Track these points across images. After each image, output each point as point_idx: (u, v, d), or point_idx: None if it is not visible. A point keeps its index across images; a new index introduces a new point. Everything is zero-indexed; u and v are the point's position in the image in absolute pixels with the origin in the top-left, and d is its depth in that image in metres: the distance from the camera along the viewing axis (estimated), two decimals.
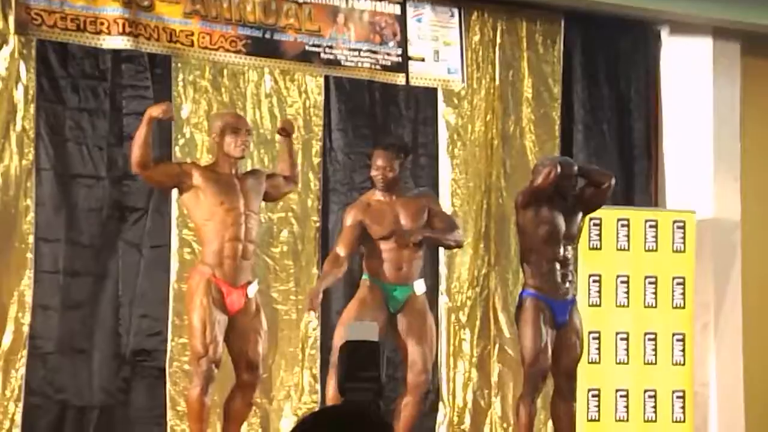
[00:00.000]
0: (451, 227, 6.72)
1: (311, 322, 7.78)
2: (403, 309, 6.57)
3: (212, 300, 6.15)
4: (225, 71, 7.74)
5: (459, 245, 6.95)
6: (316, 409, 7.64)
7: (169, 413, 7.35)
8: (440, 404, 8.13)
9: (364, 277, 6.65)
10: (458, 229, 6.83)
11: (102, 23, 7.33)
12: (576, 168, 6.96)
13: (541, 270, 6.83)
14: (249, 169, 6.88)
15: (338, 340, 6.43)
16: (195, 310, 6.15)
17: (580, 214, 7.02)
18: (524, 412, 6.82)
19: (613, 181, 7.04)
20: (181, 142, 7.58)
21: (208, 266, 6.19)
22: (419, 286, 6.64)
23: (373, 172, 6.65)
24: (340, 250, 6.49)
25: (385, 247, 6.56)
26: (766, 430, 8.56)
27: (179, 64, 7.60)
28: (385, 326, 6.42)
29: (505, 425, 8.17)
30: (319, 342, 7.75)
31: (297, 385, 7.76)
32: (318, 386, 7.71)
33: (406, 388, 6.58)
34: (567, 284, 6.87)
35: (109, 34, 7.34)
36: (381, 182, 6.61)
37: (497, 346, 8.27)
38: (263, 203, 6.64)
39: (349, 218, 6.60)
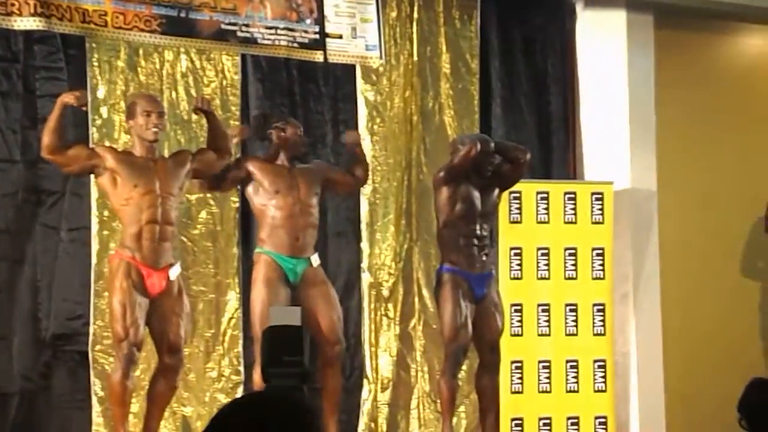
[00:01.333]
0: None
1: (231, 302, 7.74)
2: (302, 281, 6.60)
3: (132, 283, 6.10)
4: (140, 51, 7.65)
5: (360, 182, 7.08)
6: (239, 391, 7.62)
7: (93, 397, 7.28)
8: (364, 381, 8.15)
9: (259, 250, 6.66)
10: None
11: (13, 4, 7.20)
12: (493, 145, 7.02)
13: (458, 246, 6.89)
14: (166, 150, 6.82)
15: (260, 327, 6.45)
16: (115, 293, 6.11)
17: (497, 191, 7.09)
18: (446, 387, 6.88)
19: (528, 157, 7.13)
20: (98, 123, 7.49)
21: (128, 249, 6.15)
22: (315, 259, 6.69)
23: (293, 134, 6.72)
24: None
25: (281, 214, 6.60)
26: (685, 397, 8.71)
27: (93, 45, 7.50)
28: (289, 300, 6.46)
29: (430, 400, 8.22)
30: (241, 323, 7.71)
31: (219, 368, 7.72)
32: (241, 368, 7.68)
33: (323, 362, 6.59)
34: (483, 258, 6.94)
35: (20, 15, 7.21)
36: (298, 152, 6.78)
37: (422, 321, 8.30)
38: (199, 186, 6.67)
39: None
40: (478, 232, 6.94)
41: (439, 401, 7.28)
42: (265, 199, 6.70)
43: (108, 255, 6.61)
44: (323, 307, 6.60)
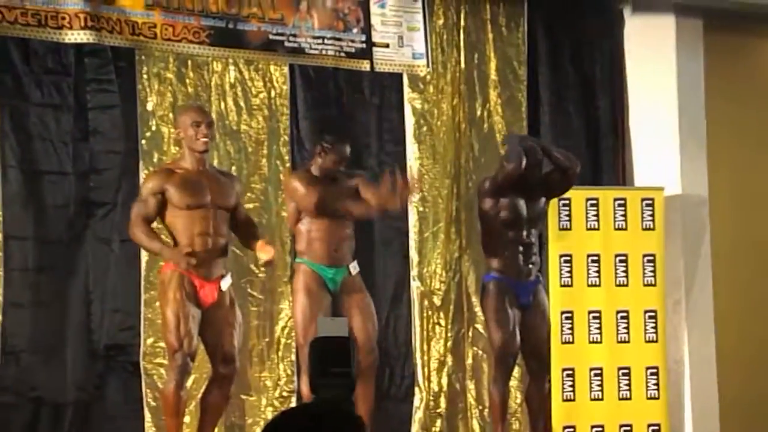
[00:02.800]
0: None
1: (284, 310, 7.77)
2: (342, 289, 6.60)
3: (185, 294, 6.13)
4: (189, 62, 7.71)
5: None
6: (293, 400, 7.64)
7: (146, 408, 7.33)
8: (416, 389, 8.14)
9: (298, 260, 6.68)
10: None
11: (63, 18, 7.28)
12: (541, 153, 6.99)
13: (503, 253, 6.87)
14: (215, 161, 6.86)
15: (303, 336, 6.48)
16: (168, 305, 6.14)
17: (544, 199, 7.06)
18: (496, 395, 6.86)
19: (578, 168, 7.09)
20: (148, 135, 7.55)
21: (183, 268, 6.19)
22: (354, 267, 6.69)
23: (331, 164, 6.67)
24: None
25: (320, 226, 6.60)
26: (740, 404, 8.62)
27: (143, 57, 7.56)
28: (329, 308, 6.48)
29: (480, 408, 8.20)
30: (294, 332, 7.73)
31: (273, 377, 7.75)
32: (295, 377, 7.70)
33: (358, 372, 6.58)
34: (529, 266, 6.91)
35: (71, 28, 7.29)
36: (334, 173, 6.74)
37: (471, 329, 8.28)
38: None
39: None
40: (524, 239, 6.90)
41: (489, 409, 7.26)
42: (303, 213, 6.70)
43: (159, 266, 6.64)
44: (359, 317, 6.61)
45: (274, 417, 2.30)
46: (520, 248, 6.89)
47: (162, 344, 7.20)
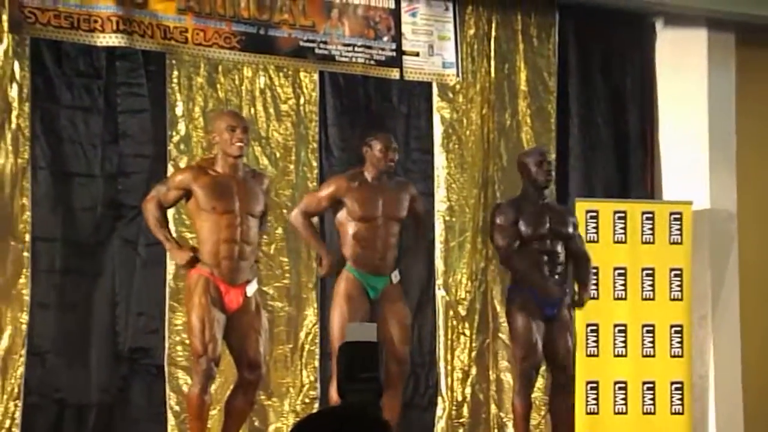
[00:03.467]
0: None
1: (309, 317, 7.77)
2: (381, 297, 6.58)
3: (210, 299, 6.13)
4: (220, 67, 7.72)
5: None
6: (316, 406, 7.64)
7: (169, 411, 7.34)
8: (439, 398, 8.12)
9: (346, 267, 6.64)
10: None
11: (95, 21, 7.31)
12: (548, 157, 7.01)
13: (527, 264, 6.84)
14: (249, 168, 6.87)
15: (338, 342, 6.44)
16: (194, 309, 6.14)
17: (571, 228, 7.03)
18: (519, 406, 6.83)
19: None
20: (176, 139, 7.57)
21: (206, 265, 6.18)
22: (396, 276, 6.66)
23: (378, 155, 6.65)
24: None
25: (366, 234, 6.56)
26: (765, 421, 8.57)
27: (173, 61, 7.58)
28: (367, 316, 6.45)
29: (504, 419, 8.17)
30: (318, 338, 7.74)
31: (296, 382, 7.75)
32: (318, 384, 7.70)
33: (385, 379, 6.54)
34: (555, 277, 6.88)
35: (102, 31, 7.32)
36: (386, 166, 6.64)
37: (496, 339, 8.26)
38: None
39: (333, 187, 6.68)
40: (548, 248, 6.88)
41: (513, 421, 7.24)
42: (351, 219, 6.63)
43: (186, 271, 6.65)
44: (397, 326, 6.58)
45: (300, 419, 2.30)
46: (545, 258, 6.86)
47: (186, 348, 7.22)
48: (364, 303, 6.53)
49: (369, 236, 6.57)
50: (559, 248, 6.94)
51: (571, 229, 7.01)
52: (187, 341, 7.26)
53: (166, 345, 7.38)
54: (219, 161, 6.32)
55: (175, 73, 7.59)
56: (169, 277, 7.39)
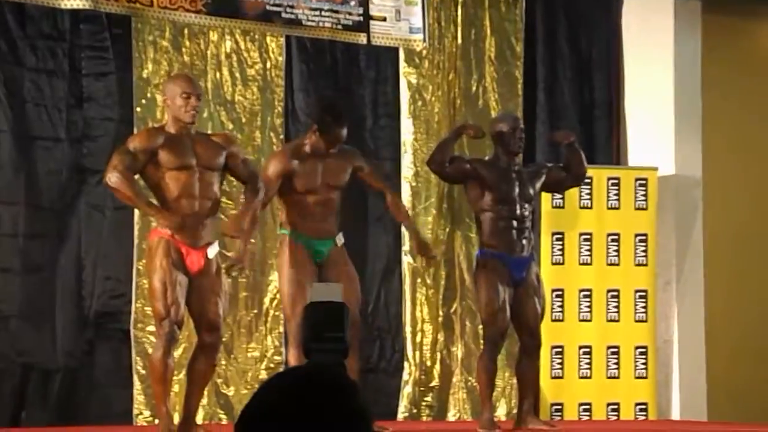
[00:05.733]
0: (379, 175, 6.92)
1: (273, 282, 7.76)
2: (327, 261, 6.58)
3: (172, 261, 6.09)
4: (185, 31, 7.68)
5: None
6: (281, 370, 7.65)
7: (135, 375, 7.33)
8: (405, 364, 8.15)
9: (284, 231, 6.61)
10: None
11: None
12: (521, 124, 7.02)
13: (496, 229, 6.86)
14: (210, 131, 6.82)
15: (290, 307, 6.44)
16: (155, 272, 6.08)
17: (540, 182, 7.04)
18: (483, 370, 6.86)
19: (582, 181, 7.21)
20: (143, 102, 7.53)
21: (167, 227, 6.13)
22: (340, 239, 6.66)
23: (322, 147, 6.58)
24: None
25: (310, 200, 6.55)
26: (727, 384, 8.65)
27: (139, 25, 7.54)
28: (315, 279, 6.44)
29: (470, 383, 8.21)
30: (282, 305, 7.73)
31: (261, 348, 7.76)
32: (283, 349, 7.71)
33: None
34: (523, 241, 6.90)
35: None
36: (338, 143, 6.62)
37: (463, 304, 8.29)
38: None
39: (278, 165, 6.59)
40: (518, 213, 6.90)
41: (477, 385, 7.27)
42: (293, 192, 6.59)
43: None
44: (347, 288, 6.57)
45: (267, 379, 2.29)
46: (513, 223, 6.89)
47: (151, 312, 7.21)
48: (310, 266, 6.52)
49: (310, 204, 6.56)
50: (528, 212, 6.97)
51: (541, 180, 7.05)
52: None
53: (133, 309, 7.36)
54: (170, 125, 6.21)
55: (141, 36, 7.54)
56: (137, 240, 7.36)
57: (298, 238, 6.55)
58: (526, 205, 6.97)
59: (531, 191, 7.02)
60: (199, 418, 7.09)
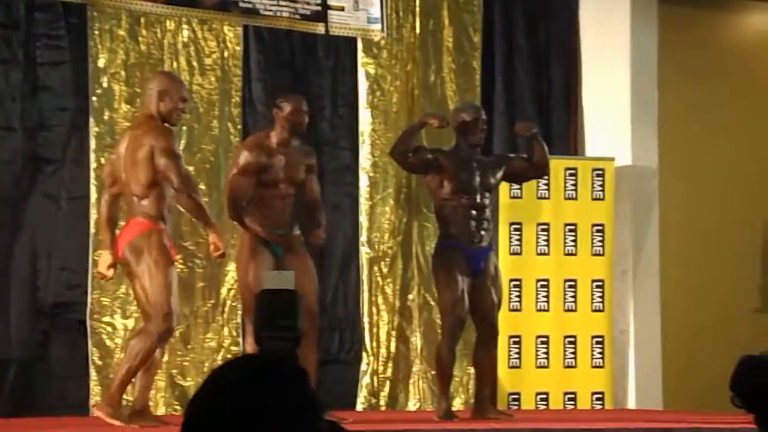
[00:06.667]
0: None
1: (230, 273, 7.73)
2: (286, 250, 6.57)
3: (167, 253, 6.19)
4: (142, 20, 7.63)
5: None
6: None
7: (91, 366, 7.29)
8: (363, 354, 8.15)
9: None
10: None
11: None
12: (484, 114, 7.04)
13: (456, 218, 6.88)
14: None
15: (248, 294, 6.46)
16: (158, 266, 6.05)
17: (501, 172, 7.07)
18: (442, 359, 6.87)
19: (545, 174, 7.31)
20: (99, 92, 7.48)
21: (162, 220, 6.18)
22: (296, 230, 6.67)
23: (294, 116, 6.61)
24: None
25: (271, 193, 6.57)
26: (683, 374, 8.71)
27: (95, 14, 7.49)
28: (274, 268, 6.45)
29: (430, 373, 8.21)
30: (240, 295, 7.71)
31: (218, 338, 7.73)
32: (240, 339, 7.68)
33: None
34: (482, 232, 6.92)
35: None
36: (301, 128, 6.61)
37: (420, 295, 8.29)
38: None
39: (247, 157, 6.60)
40: (478, 202, 6.92)
41: (435, 374, 7.28)
42: (255, 178, 6.60)
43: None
44: (304, 278, 6.57)
45: (217, 366, 2.29)
46: (473, 213, 6.90)
47: (108, 302, 7.21)
48: (268, 256, 6.53)
49: (268, 196, 6.58)
50: (488, 202, 6.99)
51: (501, 170, 7.07)
52: (112, 296, 7.24)
53: (89, 300, 7.31)
54: (148, 118, 6.21)
55: (97, 25, 7.49)
56: (92, 231, 7.32)
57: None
58: (487, 194, 6.99)
59: (492, 181, 7.04)
60: (156, 409, 7.07)
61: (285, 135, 6.63)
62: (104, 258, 6.31)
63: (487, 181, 6.98)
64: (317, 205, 6.82)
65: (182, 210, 6.76)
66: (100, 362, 7.26)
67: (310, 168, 6.80)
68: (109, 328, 7.33)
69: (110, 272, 6.30)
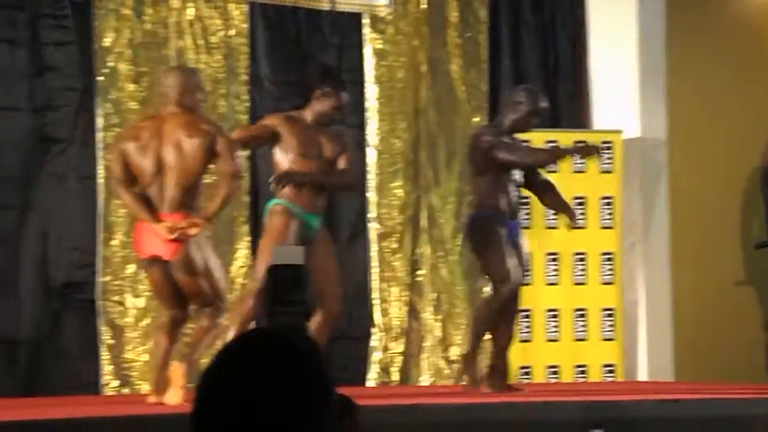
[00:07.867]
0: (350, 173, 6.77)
1: (240, 250, 7.73)
2: (316, 238, 6.53)
3: None
4: None
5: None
6: None
7: (102, 346, 7.31)
8: (372, 329, 8.15)
9: (278, 202, 6.44)
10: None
11: None
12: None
13: (500, 191, 6.77)
14: None
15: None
16: (212, 250, 6.10)
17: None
18: (484, 312, 6.72)
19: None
20: (105, 72, 7.47)
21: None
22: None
23: (330, 109, 6.57)
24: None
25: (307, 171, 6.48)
26: (693, 345, 8.71)
27: None
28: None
29: (441, 348, 8.21)
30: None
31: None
32: None
33: (322, 317, 6.45)
34: (517, 206, 6.90)
35: None
36: (329, 119, 6.63)
37: (430, 269, 8.28)
38: None
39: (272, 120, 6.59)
40: (520, 179, 6.88)
41: (451, 349, 7.17)
42: (289, 153, 6.50)
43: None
44: (332, 265, 6.56)
45: (227, 342, 2.29)
46: (513, 187, 6.85)
47: (119, 282, 7.23)
48: (297, 241, 6.41)
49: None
50: (519, 177, 6.92)
51: None
52: (122, 275, 7.26)
53: (99, 279, 7.32)
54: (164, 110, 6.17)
55: (102, 4, 7.47)
56: (101, 211, 7.32)
57: (293, 208, 6.41)
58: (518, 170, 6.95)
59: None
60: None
61: (314, 119, 6.56)
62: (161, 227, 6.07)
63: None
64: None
65: None
66: (111, 341, 7.28)
67: (344, 148, 6.71)
68: (120, 308, 7.34)
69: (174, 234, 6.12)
